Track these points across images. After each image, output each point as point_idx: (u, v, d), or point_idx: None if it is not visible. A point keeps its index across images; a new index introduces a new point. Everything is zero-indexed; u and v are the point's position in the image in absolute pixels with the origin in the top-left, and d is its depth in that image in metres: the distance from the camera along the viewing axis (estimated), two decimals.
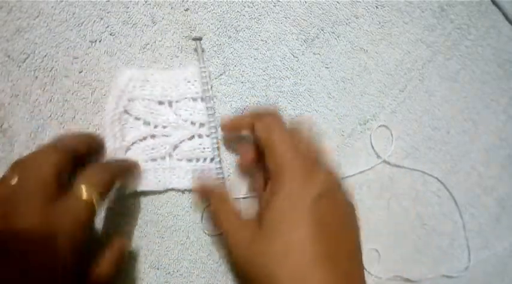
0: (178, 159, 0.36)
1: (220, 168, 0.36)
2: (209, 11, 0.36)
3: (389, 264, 0.42)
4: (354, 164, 0.41)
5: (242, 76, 0.37)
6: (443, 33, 0.41)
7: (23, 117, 0.34)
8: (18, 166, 0.27)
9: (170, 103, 0.35)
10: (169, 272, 0.37)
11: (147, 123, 0.35)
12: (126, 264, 0.36)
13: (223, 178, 0.36)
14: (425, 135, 0.42)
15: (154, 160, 0.36)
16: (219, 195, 0.34)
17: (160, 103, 0.35)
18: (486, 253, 0.46)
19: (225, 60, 0.36)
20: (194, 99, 0.35)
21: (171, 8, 0.35)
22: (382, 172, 0.41)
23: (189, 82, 0.35)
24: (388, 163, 0.41)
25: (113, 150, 0.35)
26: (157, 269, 0.37)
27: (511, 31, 0.43)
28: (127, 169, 0.34)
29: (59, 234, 0.24)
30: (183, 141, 0.36)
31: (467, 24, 0.41)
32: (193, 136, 0.36)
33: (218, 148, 0.36)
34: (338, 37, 0.38)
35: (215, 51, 0.36)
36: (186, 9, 0.36)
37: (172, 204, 0.37)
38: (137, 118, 0.35)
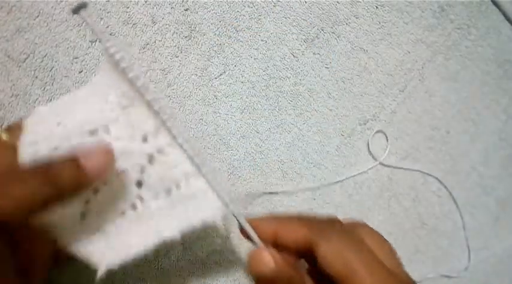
0: (151, 198, 0.26)
1: (215, 181, 0.26)
2: (209, 11, 0.36)
3: None
4: (354, 164, 0.41)
5: (242, 76, 0.37)
6: (443, 33, 0.41)
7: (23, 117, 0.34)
8: None
9: (107, 129, 0.25)
10: (169, 272, 0.37)
11: None
12: (125, 264, 0.36)
13: (223, 194, 0.25)
14: (425, 135, 0.42)
15: (121, 215, 0.26)
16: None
17: (93, 133, 0.25)
18: (486, 253, 0.46)
19: (225, 60, 0.36)
20: (126, 112, 0.25)
21: (171, 8, 0.35)
22: (382, 172, 0.41)
23: (95, 96, 0.25)
24: (385, 165, 0.41)
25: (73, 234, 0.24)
26: (157, 269, 0.37)
27: (511, 31, 0.43)
28: None
29: None
30: (144, 169, 0.25)
31: (467, 24, 0.41)
32: (152, 157, 0.25)
33: (196, 155, 0.25)
34: (338, 37, 0.38)
35: (215, 51, 0.36)
36: (186, 9, 0.36)
37: None
38: None
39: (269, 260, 0.24)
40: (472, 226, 0.45)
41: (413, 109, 0.41)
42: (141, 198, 0.26)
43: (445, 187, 0.43)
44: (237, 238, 0.38)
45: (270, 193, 0.39)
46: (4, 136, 0.24)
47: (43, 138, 0.24)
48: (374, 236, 0.25)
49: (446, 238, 0.44)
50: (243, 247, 0.38)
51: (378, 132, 0.41)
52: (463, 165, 0.44)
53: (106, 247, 0.26)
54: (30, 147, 0.24)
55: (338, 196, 0.41)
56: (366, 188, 0.41)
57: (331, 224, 0.26)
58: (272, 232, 0.25)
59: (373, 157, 0.41)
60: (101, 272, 0.25)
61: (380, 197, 0.42)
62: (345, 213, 0.41)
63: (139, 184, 0.26)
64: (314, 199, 0.40)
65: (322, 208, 0.40)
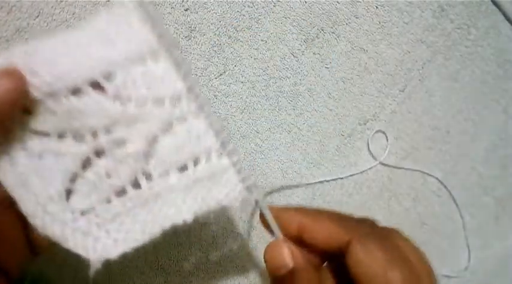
0: (160, 175, 0.22)
1: (239, 161, 0.23)
2: (209, 11, 0.36)
3: None
4: (354, 164, 0.41)
5: (242, 76, 0.37)
6: (443, 33, 0.41)
7: None
8: None
9: (97, 86, 0.20)
10: (169, 272, 0.37)
11: (77, 136, 0.21)
12: (125, 264, 0.36)
13: (248, 177, 0.23)
14: (425, 135, 0.42)
15: (120, 194, 0.22)
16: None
17: (75, 92, 0.20)
18: (486, 253, 0.46)
19: (225, 60, 0.36)
20: (141, 62, 0.21)
21: (171, 8, 0.35)
22: (382, 172, 0.41)
23: (109, 39, 0.20)
24: (385, 165, 0.41)
25: (39, 211, 0.20)
26: (157, 269, 0.37)
27: (511, 31, 0.43)
28: None
29: None
30: (156, 139, 0.22)
31: (467, 24, 0.41)
32: (170, 124, 0.22)
33: (222, 128, 0.22)
34: (338, 37, 0.38)
35: (215, 51, 0.36)
36: (186, 9, 0.35)
37: None
38: (59, 135, 0.20)
39: (287, 255, 0.22)
40: (472, 226, 0.45)
41: (413, 109, 0.41)
42: (147, 174, 0.22)
43: (445, 187, 0.43)
44: (255, 238, 0.38)
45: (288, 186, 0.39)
46: None
47: None
48: (408, 244, 0.24)
49: (446, 238, 0.44)
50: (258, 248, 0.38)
51: (377, 132, 0.41)
52: (463, 165, 0.44)
53: (99, 235, 0.21)
54: None
55: (338, 196, 0.41)
56: (366, 188, 0.41)
57: (366, 226, 0.24)
58: (297, 226, 0.23)
59: (373, 157, 0.41)
60: (93, 266, 0.21)
61: (380, 197, 0.42)
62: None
63: (146, 156, 0.21)
64: (314, 199, 0.40)
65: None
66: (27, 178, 0.20)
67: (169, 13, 0.35)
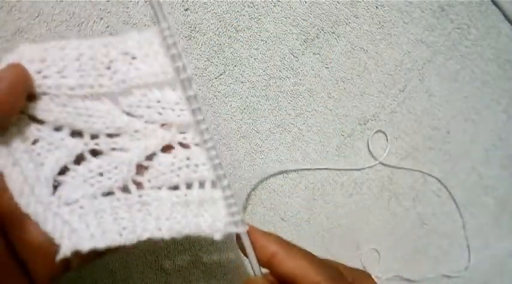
0: (152, 187, 0.23)
1: (232, 197, 0.23)
2: (209, 11, 0.36)
3: (389, 264, 0.42)
4: (354, 164, 0.41)
5: (242, 76, 0.37)
6: (443, 33, 0.41)
7: None
8: None
9: (112, 97, 0.22)
10: (169, 273, 0.37)
11: (76, 133, 0.22)
12: (125, 264, 0.36)
13: (239, 213, 0.24)
14: (425, 135, 0.42)
15: (108, 194, 0.22)
16: None
17: (91, 97, 0.21)
18: (486, 253, 0.46)
19: (225, 60, 0.36)
20: (158, 87, 0.22)
21: (171, 8, 0.35)
22: (382, 172, 0.41)
23: (134, 58, 0.22)
24: (385, 165, 0.41)
25: (26, 190, 0.21)
26: (157, 269, 0.37)
27: (511, 31, 0.43)
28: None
29: None
30: (154, 155, 0.23)
31: (467, 24, 0.41)
32: (171, 147, 0.23)
33: (221, 164, 0.23)
34: (338, 37, 0.38)
35: (215, 51, 0.36)
36: (186, 9, 0.35)
37: None
38: (55, 127, 0.21)
39: None
40: (472, 226, 0.45)
41: (413, 109, 0.41)
42: (138, 184, 0.23)
43: (445, 187, 0.43)
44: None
45: (286, 171, 0.39)
46: None
47: None
48: None
49: (446, 238, 0.44)
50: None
51: (377, 131, 0.41)
52: (463, 165, 0.44)
53: (78, 226, 0.22)
54: None
55: (338, 196, 0.41)
56: (366, 188, 0.41)
57: (337, 270, 0.25)
58: (270, 254, 0.24)
59: (373, 157, 0.41)
60: (61, 254, 0.21)
61: (380, 197, 0.42)
62: (345, 213, 0.41)
63: (141, 168, 0.23)
64: (314, 199, 0.40)
65: (322, 209, 0.40)
66: (20, 159, 0.21)
67: (169, 13, 0.35)
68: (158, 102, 0.22)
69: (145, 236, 0.23)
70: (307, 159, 0.39)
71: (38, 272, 0.22)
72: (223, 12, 0.36)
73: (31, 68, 0.21)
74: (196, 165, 0.23)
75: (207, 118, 0.23)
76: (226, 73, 0.37)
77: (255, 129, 0.38)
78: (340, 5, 0.38)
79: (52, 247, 0.22)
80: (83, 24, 0.34)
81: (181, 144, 0.23)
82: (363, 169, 0.41)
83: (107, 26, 0.34)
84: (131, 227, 0.22)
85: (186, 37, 0.36)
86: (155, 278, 0.37)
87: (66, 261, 0.23)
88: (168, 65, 0.22)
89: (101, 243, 0.22)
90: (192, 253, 0.37)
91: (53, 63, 0.21)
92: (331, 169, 0.40)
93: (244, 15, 0.36)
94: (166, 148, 0.23)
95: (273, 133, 0.38)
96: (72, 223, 0.22)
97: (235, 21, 0.36)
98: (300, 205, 0.40)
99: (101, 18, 0.34)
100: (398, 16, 0.39)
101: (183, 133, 0.23)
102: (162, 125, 0.23)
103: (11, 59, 0.21)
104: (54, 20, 0.33)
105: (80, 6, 0.34)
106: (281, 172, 0.39)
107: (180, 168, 0.23)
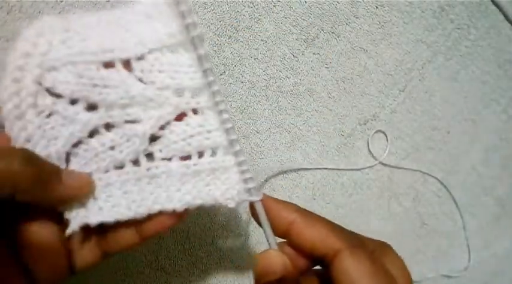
0: (163, 158, 0.23)
1: (245, 162, 0.23)
2: (209, 11, 0.36)
3: None
4: (354, 164, 0.41)
5: (242, 76, 0.37)
6: (443, 33, 0.41)
7: None
8: None
9: (127, 63, 0.21)
10: (169, 272, 0.37)
11: (90, 106, 0.21)
12: (125, 264, 0.36)
13: (252, 179, 0.23)
14: (425, 135, 0.42)
15: (119, 167, 0.22)
16: None
17: (107, 65, 0.21)
18: (486, 253, 0.46)
19: (225, 60, 0.36)
20: (172, 49, 0.22)
21: None
22: (382, 172, 0.41)
23: (150, 18, 0.21)
24: (385, 165, 0.41)
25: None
26: (157, 269, 0.37)
27: (511, 31, 0.43)
28: None
29: None
30: (167, 124, 0.22)
31: (467, 24, 0.41)
32: (183, 114, 0.22)
33: (233, 128, 0.23)
34: (338, 37, 0.38)
35: (215, 51, 0.36)
36: None
37: None
38: (71, 100, 0.21)
39: (280, 264, 0.23)
40: (472, 226, 0.45)
41: (413, 109, 0.41)
42: (149, 155, 0.22)
43: (445, 187, 0.43)
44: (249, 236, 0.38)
45: (287, 171, 0.39)
46: None
47: (38, 53, 0.20)
48: (396, 263, 0.24)
49: (446, 238, 0.44)
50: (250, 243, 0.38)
51: (377, 132, 0.41)
52: (463, 165, 0.44)
53: (85, 200, 0.22)
54: (22, 59, 0.20)
55: (338, 196, 0.41)
56: (366, 188, 0.41)
57: (358, 238, 0.24)
58: (288, 223, 0.23)
59: (373, 157, 0.41)
60: (71, 227, 0.21)
61: (380, 197, 0.42)
62: (345, 213, 0.41)
63: (153, 139, 0.22)
64: (314, 199, 0.40)
65: (322, 209, 0.40)
66: (33, 135, 0.21)
67: None
68: (171, 65, 0.21)
69: (155, 208, 0.22)
70: (307, 159, 0.39)
71: (41, 276, 0.22)
72: (223, 12, 0.36)
73: (55, 38, 0.20)
74: (209, 131, 0.22)
75: (218, 81, 0.22)
76: (226, 73, 0.37)
77: (255, 129, 0.38)
78: (340, 5, 0.38)
79: (56, 250, 0.22)
80: None
81: (194, 111, 0.22)
82: (363, 169, 0.41)
83: None
84: (140, 200, 0.22)
85: None
86: (155, 278, 0.37)
87: (69, 265, 0.23)
88: (180, 26, 0.21)
89: (109, 217, 0.22)
90: (192, 253, 0.37)
91: (76, 32, 0.21)
92: (331, 169, 0.40)
93: (244, 15, 0.36)
94: (179, 116, 0.22)
95: (273, 133, 0.38)
96: None
97: (235, 21, 0.36)
98: (300, 205, 0.40)
99: None
100: (398, 16, 0.39)
101: (197, 95, 0.22)
102: (176, 90, 0.22)
103: (33, 29, 0.20)
104: None
105: (80, 6, 0.34)
106: (281, 172, 0.39)
107: (192, 136, 0.22)
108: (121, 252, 0.24)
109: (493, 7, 0.42)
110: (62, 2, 0.33)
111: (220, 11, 0.36)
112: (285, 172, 0.39)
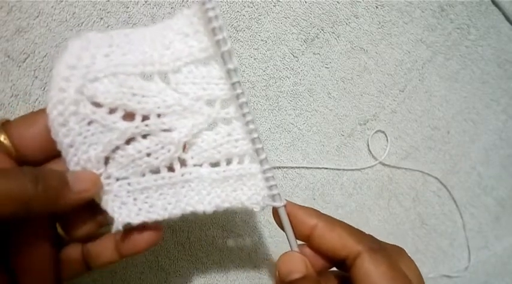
0: (194, 165, 0.24)
1: (270, 170, 0.25)
2: None
3: None
4: (354, 164, 0.41)
5: (242, 76, 0.37)
6: (443, 33, 0.41)
7: None
8: None
9: (164, 75, 0.23)
10: (169, 272, 0.37)
11: (128, 115, 0.23)
12: (125, 264, 0.36)
13: (276, 186, 0.25)
14: (425, 135, 0.42)
15: (154, 172, 0.24)
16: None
17: (146, 77, 0.23)
18: (486, 253, 0.46)
19: None
20: (205, 62, 0.23)
21: (171, 8, 0.35)
22: (382, 172, 0.41)
23: (187, 36, 0.23)
24: (385, 165, 0.41)
25: (79, 166, 0.23)
26: (157, 269, 0.37)
27: (511, 31, 0.43)
28: None
29: None
30: (199, 133, 0.24)
31: (467, 24, 0.41)
32: (214, 124, 0.24)
33: (259, 138, 0.24)
34: (338, 37, 0.38)
35: None
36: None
37: None
38: (110, 110, 0.22)
39: (302, 265, 0.24)
40: (472, 226, 0.45)
41: (413, 109, 0.41)
42: (182, 161, 0.24)
43: (445, 187, 0.43)
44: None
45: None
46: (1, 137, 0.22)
47: (83, 65, 0.22)
48: (411, 267, 0.25)
49: (446, 238, 0.44)
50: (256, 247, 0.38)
51: (377, 132, 0.41)
52: (463, 165, 0.44)
53: (127, 200, 0.24)
54: (67, 70, 0.22)
55: (338, 196, 0.41)
56: (366, 188, 0.41)
57: (375, 242, 0.25)
58: (310, 227, 0.25)
59: (373, 157, 0.41)
60: (116, 226, 0.23)
61: (380, 197, 0.42)
62: (345, 213, 0.41)
63: (186, 147, 0.24)
64: (314, 199, 0.40)
65: (322, 209, 0.40)
66: (75, 140, 0.22)
67: (169, 13, 0.35)
68: (203, 77, 0.23)
69: (188, 210, 0.24)
70: (307, 159, 0.39)
71: None
72: (223, 12, 0.36)
73: (99, 53, 0.22)
74: (236, 140, 0.24)
75: (246, 93, 0.24)
76: None
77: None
78: (340, 5, 0.38)
79: (46, 265, 0.23)
80: (83, 24, 0.34)
81: (224, 120, 0.24)
82: (363, 169, 0.41)
83: (107, 26, 0.34)
84: (174, 203, 0.24)
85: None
86: (155, 278, 0.37)
87: (57, 277, 0.24)
88: (213, 40, 0.22)
89: (148, 217, 0.24)
90: (192, 253, 0.37)
91: (118, 47, 0.22)
92: (331, 169, 0.40)
93: (244, 15, 0.36)
94: (211, 126, 0.24)
95: (273, 133, 0.38)
96: (122, 198, 0.24)
97: (235, 21, 0.36)
98: None
99: (101, 18, 0.34)
100: (398, 16, 0.39)
101: (226, 106, 0.24)
102: (207, 102, 0.24)
103: (77, 45, 0.22)
104: (54, 20, 0.33)
105: (80, 6, 0.34)
106: (281, 172, 0.39)
107: (221, 145, 0.24)
108: (102, 268, 0.25)
109: (493, 7, 0.42)
110: (62, 2, 0.33)
111: (220, 11, 0.36)
112: (285, 172, 0.39)
